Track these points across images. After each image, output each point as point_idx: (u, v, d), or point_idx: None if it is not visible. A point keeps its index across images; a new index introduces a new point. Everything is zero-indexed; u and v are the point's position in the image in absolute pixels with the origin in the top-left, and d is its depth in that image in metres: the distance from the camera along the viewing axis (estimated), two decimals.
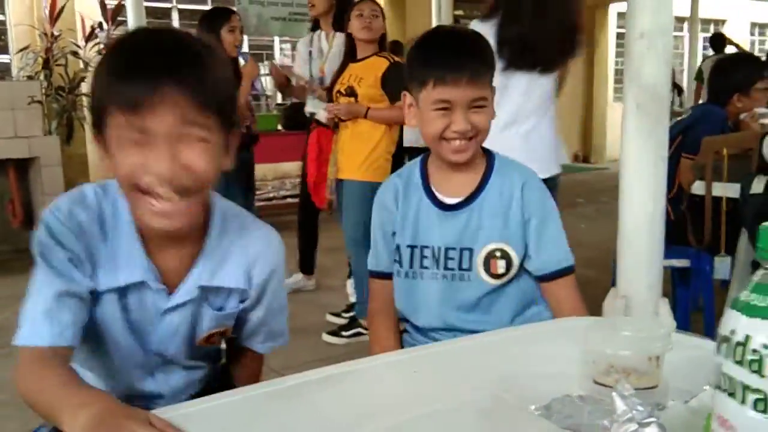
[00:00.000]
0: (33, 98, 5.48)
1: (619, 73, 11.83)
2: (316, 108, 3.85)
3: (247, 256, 1.15)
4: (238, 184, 3.54)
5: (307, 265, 4.25)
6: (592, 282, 4.17)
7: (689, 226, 2.92)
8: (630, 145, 1.94)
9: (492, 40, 2.12)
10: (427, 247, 1.49)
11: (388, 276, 1.57)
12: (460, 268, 1.47)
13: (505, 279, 1.47)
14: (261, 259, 1.17)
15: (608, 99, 12.28)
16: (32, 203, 5.46)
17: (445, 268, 1.48)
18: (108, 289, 1.08)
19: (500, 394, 0.95)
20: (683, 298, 3.02)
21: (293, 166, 8.26)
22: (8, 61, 7.57)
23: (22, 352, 1.02)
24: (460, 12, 10.77)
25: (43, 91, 5.79)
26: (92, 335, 1.12)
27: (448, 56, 1.41)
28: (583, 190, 8.60)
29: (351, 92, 3.34)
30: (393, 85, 3.24)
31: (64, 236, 1.04)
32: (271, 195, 8.35)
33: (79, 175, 6.26)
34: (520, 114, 2.47)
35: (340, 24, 3.83)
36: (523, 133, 2.47)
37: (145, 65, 0.95)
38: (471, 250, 1.46)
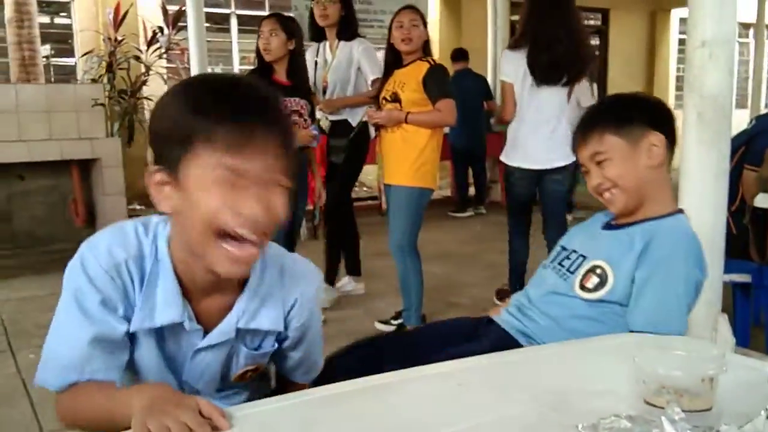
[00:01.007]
0: (96, 101, 5.67)
1: (680, 79, 11.55)
2: (320, 116, 3.98)
3: (285, 299, 1.13)
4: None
5: (351, 267, 4.21)
6: None
7: (751, 239, 2.82)
8: (690, 156, 1.90)
9: (523, 64, 3.29)
10: (566, 249, 1.60)
11: None
12: (568, 270, 1.54)
13: (590, 296, 1.46)
14: (299, 301, 1.14)
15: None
16: (94, 203, 5.64)
17: (559, 264, 1.57)
18: (144, 329, 1.06)
19: (546, 410, 0.93)
20: (743, 314, 2.92)
21: None
22: (73, 64, 7.84)
23: (57, 394, 1.05)
24: (516, 17, 10.69)
25: (106, 93, 5.98)
26: (127, 369, 1.12)
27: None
28: None
29: (395, 98, 3.34)
30: (433, 87, 3.24)
31: (99, 278, 1.02)
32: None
33: (138, 176, 6.43)
34: (548, 116, 3.36)
35: (344, 34, 3.88)
36: (552, 129, 3.37)
37: (243, 110, 0.95)
38: (584, 258, 1.53)
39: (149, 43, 6.94)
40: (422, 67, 3.29)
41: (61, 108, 5.58)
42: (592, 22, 12.11)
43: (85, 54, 7.04)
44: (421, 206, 3.37)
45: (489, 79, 7.64)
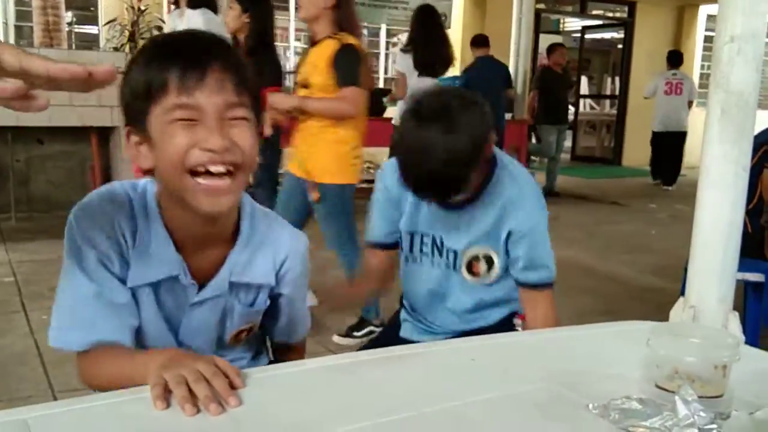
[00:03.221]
0: (118, 69, 5.67)
1: (704, 77, 11.42)
2: None
3: (276, 253, 1.17)
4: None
5: None
6: (659, 290, 4.09)
7: (767, 239, 2.81)
8: (712, 152, 1.89)
9: (410, 62, 4.97)
10: (427, 235, 1.58)
11: (380, 246, 1.67)
12: (447, 264, 1.57)
13: (486, 280, 1.55)
14: (290, 257, 1.19)
15: None
16: (111, 170, 5.68)
17: (445, 257, 1.57)
18: (140, 284, 1.09)
19: (558, 389, 0.94)
20: (754, 314, 2.91)
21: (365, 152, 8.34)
22: (96, 32, 7.85)
23: (78, 357, 1.08)
24: (541, 5, 10.61)
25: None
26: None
27: None
28: (657, 195, 8.38)
29: (305, 83, 2.95)
30: (339, 71, 2.83)
31: (92, 234, 1.05)
32: None
33: None
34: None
35: (191, 1, 3.85)
36: None
37: (192, 50, 1.01)
38: (455, 252, 1.55)
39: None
40: (331, 47, 2.85)
41: None
42: (618, 14, 12.00)
43: (108, 22, 7.06)
44: (350, 202, 3.09)
45: (511, 66, 7.60)
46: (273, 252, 1.17)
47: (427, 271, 1.60)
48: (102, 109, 5.58)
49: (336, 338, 3.28)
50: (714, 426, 0.68)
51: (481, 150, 1.43)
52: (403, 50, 5.21)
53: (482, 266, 1.53)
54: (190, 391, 0.85)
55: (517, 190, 1.52)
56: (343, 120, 2.92)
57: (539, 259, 1.54)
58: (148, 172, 1.05)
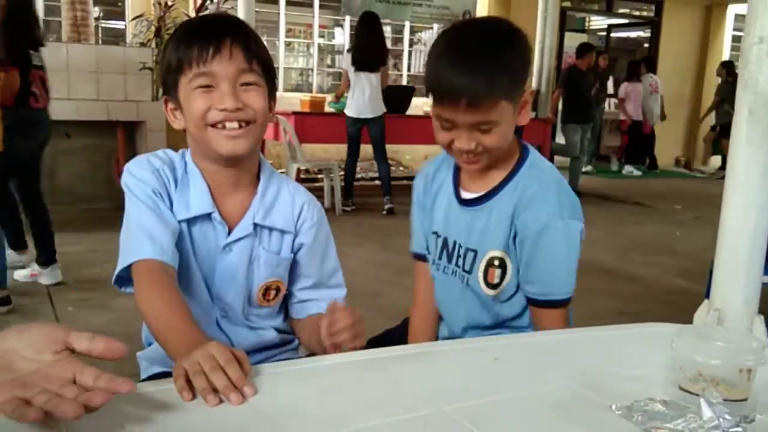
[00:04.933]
0: (144, 65, 5.74)
1: None
2: None
3: (293, 204, 1.33)
4: None
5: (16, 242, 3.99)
6: (683, 292, 4.05)
7: None
8: (738, 154, 1.87)
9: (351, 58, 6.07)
10: (440, 236, 1.45)
11: (422, 257, 1.53)
12: (464, 269, 1.41)
13: (498, 291, 1.39)
14: (306, 208, 1.34)
15: None
16: None
17: (456, 264, 1.43)
18: (180, 219, 1.25)
19: (581, 390, 0.94)
20: None
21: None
22: (123, 27, 7.93)
23: (134, 270, 1.18)
24: (567, 3, 10.53)
25: (154, 58, 6.03)
26: None
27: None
28: (682, 197, 8.29)
29: None
30: None
31: (145, 176, 1.25)
32: (359, 176, 8.42)
33: (180, 141, 6.51)
34: (364, 88, 6.06)
35: None
36: (368, 94, 6.06)
37: (210, 29, 1.22)
38: (475, 253, 1.39)
39: (198, 10, 6.98)
40: None
41: (110, 70, 5.66)
42: (644, 13, 11.88)
43: (135, 18, 7.11)
44: None
45: (536, 64, 7.56)
46: (291, 201, 1.33)
47: (444, 278, 1.46)
48: (129, 103, 5.64)
49: None
50: (739, 429, 0.67)
51: (521, 71, 1.30)
52: (349, 50, 6.27)
53: (497, 273, 1.37)
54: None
55: (537, 186, 1.34)
56: None
57: (542, 272, 1.34)
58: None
